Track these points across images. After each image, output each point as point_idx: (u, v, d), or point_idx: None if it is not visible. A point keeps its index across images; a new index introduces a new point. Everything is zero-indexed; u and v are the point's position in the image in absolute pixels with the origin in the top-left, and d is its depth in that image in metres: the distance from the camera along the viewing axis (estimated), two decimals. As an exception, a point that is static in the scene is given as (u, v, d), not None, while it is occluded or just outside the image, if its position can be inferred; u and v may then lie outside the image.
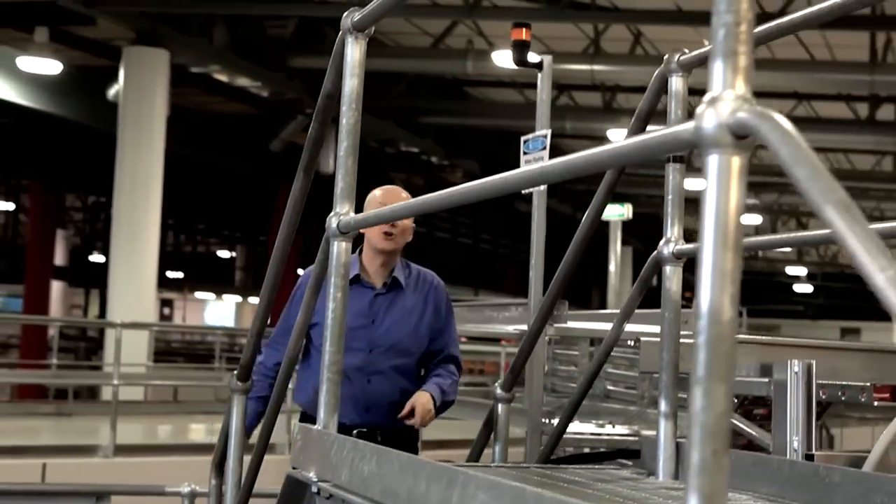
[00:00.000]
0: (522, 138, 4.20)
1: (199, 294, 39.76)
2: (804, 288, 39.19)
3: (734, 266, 1.09)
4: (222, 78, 16.75)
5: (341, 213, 2.63)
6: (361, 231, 3.56)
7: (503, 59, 13.33)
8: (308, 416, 3.79)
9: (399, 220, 3.75)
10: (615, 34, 15.03)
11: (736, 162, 1.11)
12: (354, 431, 3.75)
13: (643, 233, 31.14)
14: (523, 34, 4.41)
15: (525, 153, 4.15)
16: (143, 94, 13.71)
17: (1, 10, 14.03)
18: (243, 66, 15.30)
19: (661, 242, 2.77)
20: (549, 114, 4.86)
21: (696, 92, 1.62)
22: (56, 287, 27.49)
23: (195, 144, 18.21)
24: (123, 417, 9.13)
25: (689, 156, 2.71)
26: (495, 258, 30.53)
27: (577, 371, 6.68)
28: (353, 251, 3.62)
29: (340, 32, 2.73)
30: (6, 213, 31.11)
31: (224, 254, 38.30)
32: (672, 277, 2.80)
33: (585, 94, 17.80)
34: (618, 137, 17.49)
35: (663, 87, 3.00)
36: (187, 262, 35.26)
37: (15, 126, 18.32)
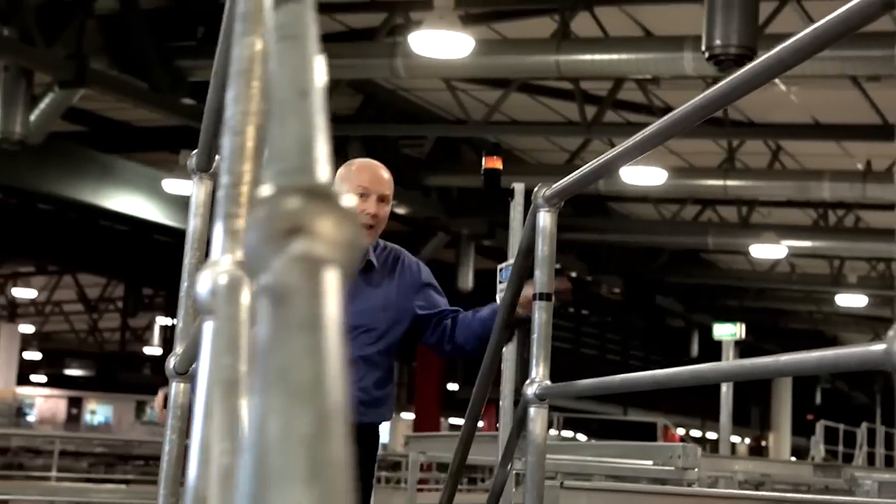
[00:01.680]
0: (499, 266, 4.07)
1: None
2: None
3: None
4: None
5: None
6: None
7: (633, 175, 13.24)
8: None
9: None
10: (753, 148, 14.78)
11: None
12: None
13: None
14: (495, 163, 4.31)
15: (500, 282, 4.01)
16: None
17: (146, 134, 14.63)
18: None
19: (526, 383, 2.63)
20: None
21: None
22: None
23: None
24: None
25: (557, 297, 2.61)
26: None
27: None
28: None
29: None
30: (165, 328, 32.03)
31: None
32: (536, 419, 2.63)
33: (727, 208, 17.51)
34: (759, 253, 17.17)
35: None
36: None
37: (171, 246, 18.93)
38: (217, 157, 2.62)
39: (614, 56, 9.73)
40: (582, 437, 21.93)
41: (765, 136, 14.41)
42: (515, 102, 13.08)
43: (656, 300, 21.74)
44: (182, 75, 11.50)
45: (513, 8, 10.91)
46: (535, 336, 2.61)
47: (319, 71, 0.65)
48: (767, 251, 16.80)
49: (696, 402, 26.73)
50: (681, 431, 24.76)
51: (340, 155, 15.06)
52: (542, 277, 2.69)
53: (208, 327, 0.87)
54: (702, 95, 2.07)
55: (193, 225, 2.54)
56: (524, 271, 2.88)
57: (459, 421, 25.52)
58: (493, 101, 12.84)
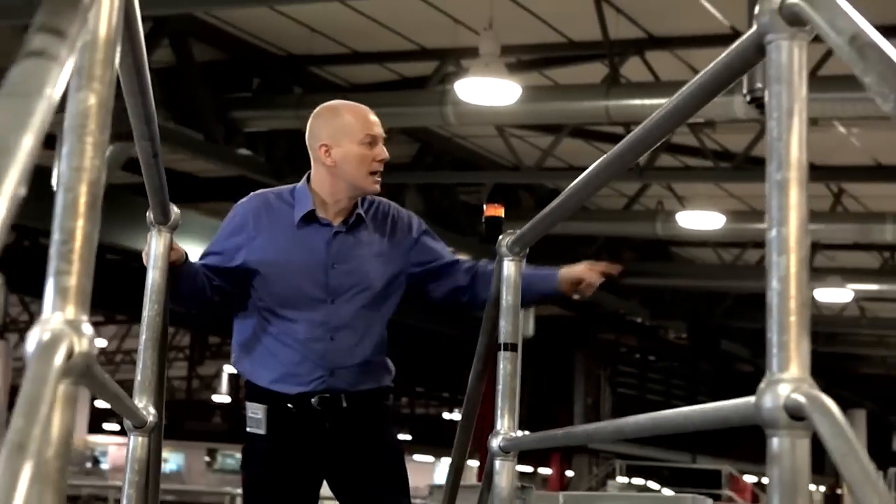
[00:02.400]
0: None
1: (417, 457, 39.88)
2: None
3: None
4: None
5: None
6: (329, 163, 3.24)
7: (689, 220, 13.12)
8: (254, 387, 3.30)
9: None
10: (814, 191, 14.57)
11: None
12: (314, 399, 3.21)
13: (879, 395, 29.74)
14: (497, 210, 4.27)
15: None
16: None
17: (207, 184, 14.80)
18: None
19: (491, 434, 2.58)
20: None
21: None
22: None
23: (415, 315, 18.49)
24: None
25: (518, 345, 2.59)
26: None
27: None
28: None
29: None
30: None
31: (447, 415, 38.46)
32: (501, 472, 2.60)
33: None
34: (824, 297, 16.87)
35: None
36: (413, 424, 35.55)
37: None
38: (177, 210, 2.63)
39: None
40: (654, 486, 21.65)
41: (826, 179, 14.20)
42: (569, 147, 13.05)
43: (722, 345, 21.46)
44: (237, 126, 11.63)
45: (563, 54, 10.90)
46: (499, 387, 2.57)
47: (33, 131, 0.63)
48: (833, 295, 16.53)
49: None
50: (752, 479, 24.27)
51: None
52: (506, 327, 2.66)
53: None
54: (625, 140, 2.06)
55: (152, 277, 2.54)
56: (496, 321, 2.83)
57: (528, 468, 25.30)
58: (546, 147, 12.83)
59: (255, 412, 3.25)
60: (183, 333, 27.91)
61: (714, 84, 1.79)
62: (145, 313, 2.54)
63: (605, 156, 2.14)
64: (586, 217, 15.79)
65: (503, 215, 4.02)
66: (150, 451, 2.46)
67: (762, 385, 1.25)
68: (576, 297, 3.22)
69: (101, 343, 27.91)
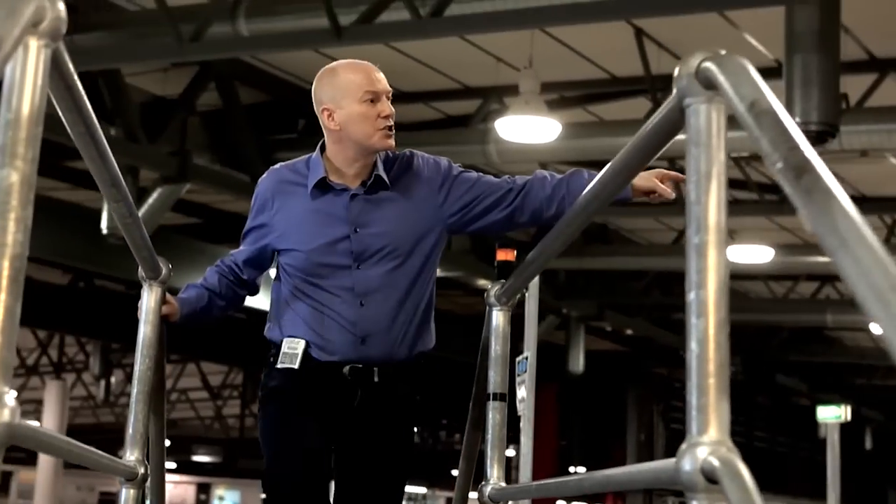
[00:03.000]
0: (517, 359, 3.96)
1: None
2: None
3: None
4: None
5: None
6: (334, 127, 3.08)
7: (737, 254, 13.02)
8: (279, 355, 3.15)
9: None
10: (868, 223, 14.38)
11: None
12: (346, 368, 3.06)
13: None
14: (508, 255, 4.22)
15: (518, 374, 3.91)
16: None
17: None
18: (481, 269, 15.57)
19: (482, 483, 2.56)
20: (504, 344, 4.29)
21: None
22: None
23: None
24: None
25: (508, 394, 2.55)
26: (772, 456, 29.12)
27: None
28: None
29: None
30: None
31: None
32: None
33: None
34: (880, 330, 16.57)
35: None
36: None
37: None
38: (169, 265, 2.66)
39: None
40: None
41: (879, 211, 14.05)
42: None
43: (777, 379, 21.21)
44: (283, 167, 11.71)
45: (606, 90, 10.90)
46: (489, 436, 2.56)
47: None
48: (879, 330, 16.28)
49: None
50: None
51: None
52: (495, 377, 2.66)
53: None
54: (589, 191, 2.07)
55: (144, 332, 2.56)
56: (486, 371, 2.81)
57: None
58: (592, 183, 12.79)
59: (293, 347, 3.10)
60: (236, 372, 28.07)
61: (646, 147, 1.79)
62: (137, 367, 2.57)
63: (567, 213, 2.15)
64: (635, 252, 15.73)
65: (514, 259, 3.98)
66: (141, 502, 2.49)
67: (683, 447, 1.25)
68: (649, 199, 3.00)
69: (157, 382, 28.13)
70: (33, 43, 1.37)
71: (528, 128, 9.34)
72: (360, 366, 3.05)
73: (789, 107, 7.00)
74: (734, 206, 13.44)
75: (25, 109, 1.21)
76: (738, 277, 17.75)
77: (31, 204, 1.15)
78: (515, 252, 3.72)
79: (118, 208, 2.12)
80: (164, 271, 2.66)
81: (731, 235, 14.51)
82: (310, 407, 3.07)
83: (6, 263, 0.88)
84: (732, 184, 12.64)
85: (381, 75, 3.11)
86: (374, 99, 3.06)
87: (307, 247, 3.11)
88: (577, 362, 17.05)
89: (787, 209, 12.57)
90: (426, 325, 3.16)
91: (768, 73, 7.90)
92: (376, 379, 3.06)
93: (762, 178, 12.66)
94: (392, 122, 3.07)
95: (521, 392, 3.81)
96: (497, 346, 2.61)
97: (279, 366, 3.09)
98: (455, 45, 10.02)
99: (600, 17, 7.58)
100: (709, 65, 1.44)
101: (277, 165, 3.28)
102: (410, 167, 3.15)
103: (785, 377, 21.50)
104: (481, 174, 3.22)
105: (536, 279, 4.11)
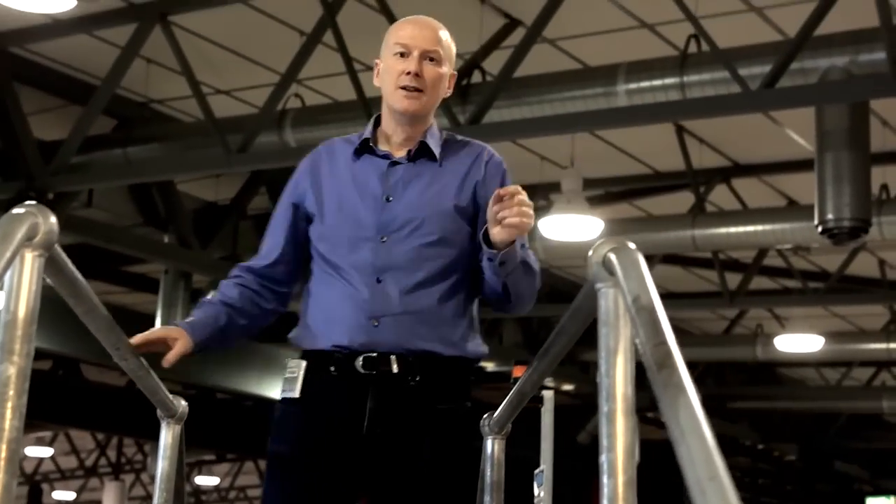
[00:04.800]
0: (535, 472, 3.99)
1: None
2: None
3: None
4: (521, 375, 17.07)
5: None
6: (378, 84, 2.77)
7: (787, 343, 12.98)
8: (300, 353, 2.74)
9: None
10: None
11: None
12: (360, 358, 2.59)
13: None
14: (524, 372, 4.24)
15: (537, 486, 3.94)
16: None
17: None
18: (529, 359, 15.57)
19: None
20: (499, 471, 3.99)
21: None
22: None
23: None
24: None
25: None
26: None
27: None
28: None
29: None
30: None
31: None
32: None
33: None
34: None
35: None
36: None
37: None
38: (184, 403, 2.80)
39: (749, 228, 9.69)
40: None
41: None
42: (666, 274, 13.04)
43: (836, 466, 20.91)
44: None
45: (649, 185, 11.01)
46: None
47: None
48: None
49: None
50: None
51: (494, 336, 15.23)
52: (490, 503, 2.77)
53: None
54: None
55: (161, 468, 2.70)
56: (482, 495, 2.86)
57: None
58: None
59: (293, 370, 2.67)
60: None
61: (574, 325, 2.03)
62: (155, 500, 2.71)
63: (533, 362, 2.34)
64: (686, 343, 15.69)
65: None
66: None
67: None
68: (503, 236, 2.52)
69: (214, 481, 28.20)
70: (28, 255, 1.61)
71: (571, 226, 9.47)
72: (375, 354, 2.57)
73: (821, 203, 7.07)
74: (777, 298, 13.43)
75: (21, 312, 1.49)
76: (790, 365, 17.65)
77: (27, 393, 1.37)
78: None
79: (127, 365, 2.32)
80: (179, 409, 2.83)
81: (782, 324, 14.48)
82: (318, 474, 2.60)
83: (4, 447, 1.05)
84: (780, 272, 12.64)
85: (427, 32, 2.72)
86: (403, 53, 2.70)
87: (335, 215, 2.72)
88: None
89: (832, 298, 12.57)
90: (461, 320, 2.69)
91: (810, 165, 7.98)
92: (395, 369, 2.57)
93: (814, 266, 12.66)
94: (417, 84, 2.67)
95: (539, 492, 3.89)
96: (493, 474, 2.75)
97: (281, 395, 2.68)
98: (499, 145, 10.18)
99: (638, 121, 7.71)
100: (611, 256, 1.65)
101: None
102: (466, 148, 2.81)
103: (844, 464, 21.18)
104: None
105: (551, 394, 4.21)
